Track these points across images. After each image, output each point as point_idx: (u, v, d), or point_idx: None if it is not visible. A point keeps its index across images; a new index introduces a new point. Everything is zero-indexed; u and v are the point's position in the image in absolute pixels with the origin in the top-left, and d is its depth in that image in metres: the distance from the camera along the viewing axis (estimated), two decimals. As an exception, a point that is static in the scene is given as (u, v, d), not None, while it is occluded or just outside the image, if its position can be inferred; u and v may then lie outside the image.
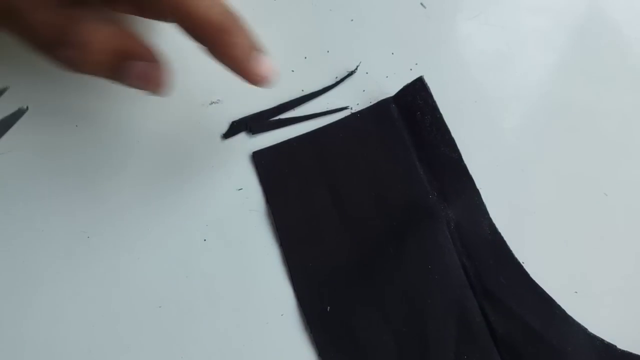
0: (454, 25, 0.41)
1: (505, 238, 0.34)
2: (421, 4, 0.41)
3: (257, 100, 0.37)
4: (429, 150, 0.35)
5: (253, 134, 0.36)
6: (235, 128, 0.36)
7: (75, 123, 0.35)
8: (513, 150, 0.37)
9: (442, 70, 0.39)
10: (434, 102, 0.36)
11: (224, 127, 0.36)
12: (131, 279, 0.32)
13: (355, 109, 0.37)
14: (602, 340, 0.32)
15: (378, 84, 0.38)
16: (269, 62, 0.28)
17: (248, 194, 0.35)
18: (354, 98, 0.38)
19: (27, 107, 0.25)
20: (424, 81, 0.36)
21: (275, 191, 0.34)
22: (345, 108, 0.37)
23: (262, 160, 0.35)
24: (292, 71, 0.38)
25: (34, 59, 0.28)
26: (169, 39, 0.34)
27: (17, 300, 0.31)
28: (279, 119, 0.36)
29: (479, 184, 0.35)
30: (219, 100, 0.37)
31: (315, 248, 0.33)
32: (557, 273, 0.34)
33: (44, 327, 0.31)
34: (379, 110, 0.36)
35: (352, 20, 0.40)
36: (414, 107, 0.36)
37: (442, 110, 0.37)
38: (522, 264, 0.34)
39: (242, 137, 0.36)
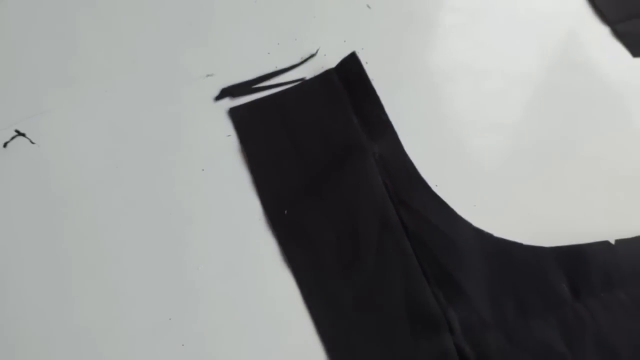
0: (390, 19, 0.54)
1: (425, 167, 0.47)
2: (367, 5, 0.55)
3: (242, 73, 0.51)
4: (361, 105, 0.48)
5: (234, 97, 0.49)
6: (225, 93, 0.50)
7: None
8: (433, 106, 0.50)
9: (381, 51, 0.52)
10: (363, 70, 0.49)
11: (216, 93, 0.50)
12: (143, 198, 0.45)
13: (313, 79, 0.51)
14: (481, 231, 0.44)
15: (333, 62, 0.52)
16: None
17: (234, 139, 0.48)
18: (315, 73, 0.51)
19: None
20: (356, 55, 0.50)
21: (247, 137, 0.47)
22: (302, 79, 0.51)
23: (237, 114, 0.48)
24: (268, 54, 0.52)
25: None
26: (173, 18, 0.49)
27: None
28: (256, 87, 0.50)
29: (411, 134, 0.48)
30: (213, 73, 0.51)
31: (277, 175, 0.46)
32: (461, 192, 0.46)
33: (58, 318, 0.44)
34: (324, 78, 0.50)
35: (314, 17, 0.54)
36: (349, 74, 0.49)
37: (378, 78, 0.50)
38: (436, 187, 0.46)
39: (229, 100, 0.50)
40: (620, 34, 0.56)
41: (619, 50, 0.55)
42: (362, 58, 0.51)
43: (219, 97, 0.50)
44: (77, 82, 0.49)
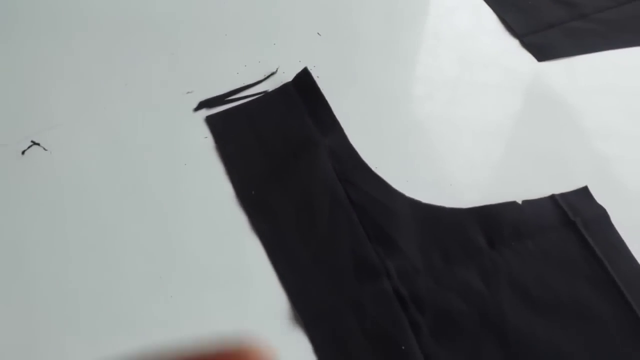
0: (336, 43, 0.66)
1: (366, 154, 0.57)
2: (317, 33, 0.67)
3: (216, 89, 0.62)
4: (313, 109, 0.60)
5: (210, 107, 0.61)
6: (202, 105, 0.61)
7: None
8: (371, 106, 0.61)
9: (328, 67, 0.64)
10: (314, 82, 0.61)
11: (195, 105, 0.61)
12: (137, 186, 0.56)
13: (274, 91, 0.62)
14: (413, 199, 0.54)
15: (290, 78, 0.63)
16: None
17: (210, 140, 0.59)
18: (275, 87, 0.63)
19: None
20: (308, 70, 0.61)
21: (221, 137, 0.58)
22: (265, 91, 0.62)
23: (212, 120, 0.59)
24: (237, 73, 0.64)
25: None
26: (158, 50, 0.60)
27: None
28: (227, 99, 0.61)
29: (354, 129, 0.59)
30: (192, 90, 0.62)
31: (245, 165, 0.56)
32: (395, 171, 0.57)
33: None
34: (283, 89, 0.61)
35: (274, 44, 0.66)
36: (303, 85, 0.61)
37: (327, 88, 0.61)
38: (376, 168, 0.57)
39: (206, 110, 0.61)
40: (527, 44, 0.68)
41: (527, 56, 0.67)
42: (314, 73, 0.62)
43: (197, 108, 0.61)
44: (82, 101, 0.60)
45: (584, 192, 0.57)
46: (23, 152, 0.56)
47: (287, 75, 0.63)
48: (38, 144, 0.57)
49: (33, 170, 0.55)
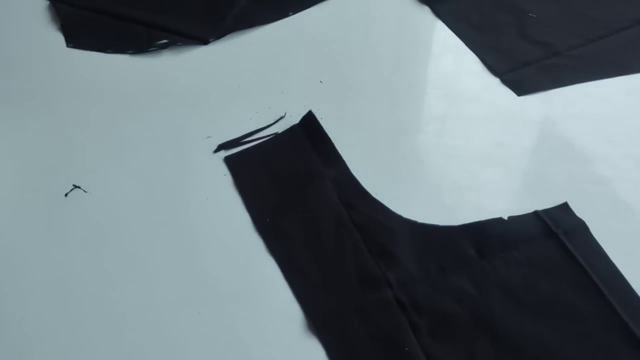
0: (336, 89, 0.75)
1: (367, 182, 0.65)
2: (320, 81, 0.76)
3: (232, 133, 0.70)
4: (318, 145, 0.68)
5: (227, 149, 0.69)
6: (220, 147, 0.69)
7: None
8: (368, 141, 0.69)
9: (330, 109, 0.72)
10: (318, 122, 0.69)
11: (214, 147, 0.69)
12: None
13: (283, 132, 0.71)
14: (410, 220, 0.61)
15: (297, 121, 0.71)
16: None
17: (229, 177, 0.67)
18: (284, 129, 0.71)
19: None
20: (312, 113, 0.70)
21: (238, 174, 0.66)
22: (275, 133, 0.70)
23: (230, 160, 0.67)
24: (250, 119, 0.72)
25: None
26: (182, 104, 0.69)
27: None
28: (242, 141, 0.70)
29: (354, 161, 0.67)
30: (211, 135, 0.70)
31: (260, 197, 0.64)
32: (394, 196, 0.64)
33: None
34: (291, 131, 0.70)
35: (282, 92, 0.75)
36: (309, 126, 0.69)
37: (329, 127, 0.69)
38: (376, 194, 0.64)
39: (224, 152, 0.69)
40: (507, 81, 0.76)
41: (507, 91, 0.75)
42: (318, 115, 0.71)
43: (216, 150, 0.69)
44: (115, 151, 0.69)
45: (564, 207, 0.63)
46: (66, 195, 0.65)
47: (294, 118, 0.72)
48: (79, 187, 0.65)
49: (75, 210, 0.63)
